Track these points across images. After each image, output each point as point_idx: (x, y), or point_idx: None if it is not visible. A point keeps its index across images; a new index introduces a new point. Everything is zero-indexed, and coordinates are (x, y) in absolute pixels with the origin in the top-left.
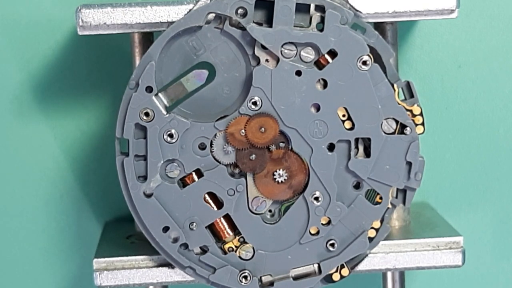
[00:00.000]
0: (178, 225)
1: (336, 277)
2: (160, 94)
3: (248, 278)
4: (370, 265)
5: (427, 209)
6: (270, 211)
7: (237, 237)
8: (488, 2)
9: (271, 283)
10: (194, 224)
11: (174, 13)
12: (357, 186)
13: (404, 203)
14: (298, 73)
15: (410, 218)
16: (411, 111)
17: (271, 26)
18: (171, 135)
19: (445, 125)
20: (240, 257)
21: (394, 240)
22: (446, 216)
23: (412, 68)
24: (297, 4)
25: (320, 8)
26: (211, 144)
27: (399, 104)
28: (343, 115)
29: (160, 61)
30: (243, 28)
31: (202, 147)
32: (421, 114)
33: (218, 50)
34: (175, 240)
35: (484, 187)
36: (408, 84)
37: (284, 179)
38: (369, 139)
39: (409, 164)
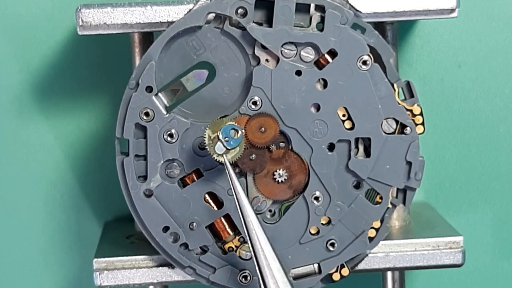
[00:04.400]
0: (178, 225)
1: (336, 277)
2: (160, 94)
3: (248, 278)
4: (370, 265)
5: (427, 209)
6: (270, 211)
7: (237, 237)
8: (488, 2)
9: None
10: (194, 224)
11: (174, 13)
12: (357, 186)
13: (404, 203)
14: (298, 73)
15: (410, 218)
16: (411, 111)
17: (271, 26)
18: (171, 135)
19: (445, 125)
20: (240, 257)
21: (394, 240)
22: (446, 216)
23: (412, 68)
24: (297, 4)
25: (320, 8)
26: None
27: (399, 104)
28: (343, 115)
29: (160, 61)
30: (243, 28)
31: (202, 147)
32: (421, 114)
33: (218, 50)
34: (175, 240)
35: (484, 187)
36: (408, 84)
37: (284, 179)
38: (369, 139)
39: (409, 164)
